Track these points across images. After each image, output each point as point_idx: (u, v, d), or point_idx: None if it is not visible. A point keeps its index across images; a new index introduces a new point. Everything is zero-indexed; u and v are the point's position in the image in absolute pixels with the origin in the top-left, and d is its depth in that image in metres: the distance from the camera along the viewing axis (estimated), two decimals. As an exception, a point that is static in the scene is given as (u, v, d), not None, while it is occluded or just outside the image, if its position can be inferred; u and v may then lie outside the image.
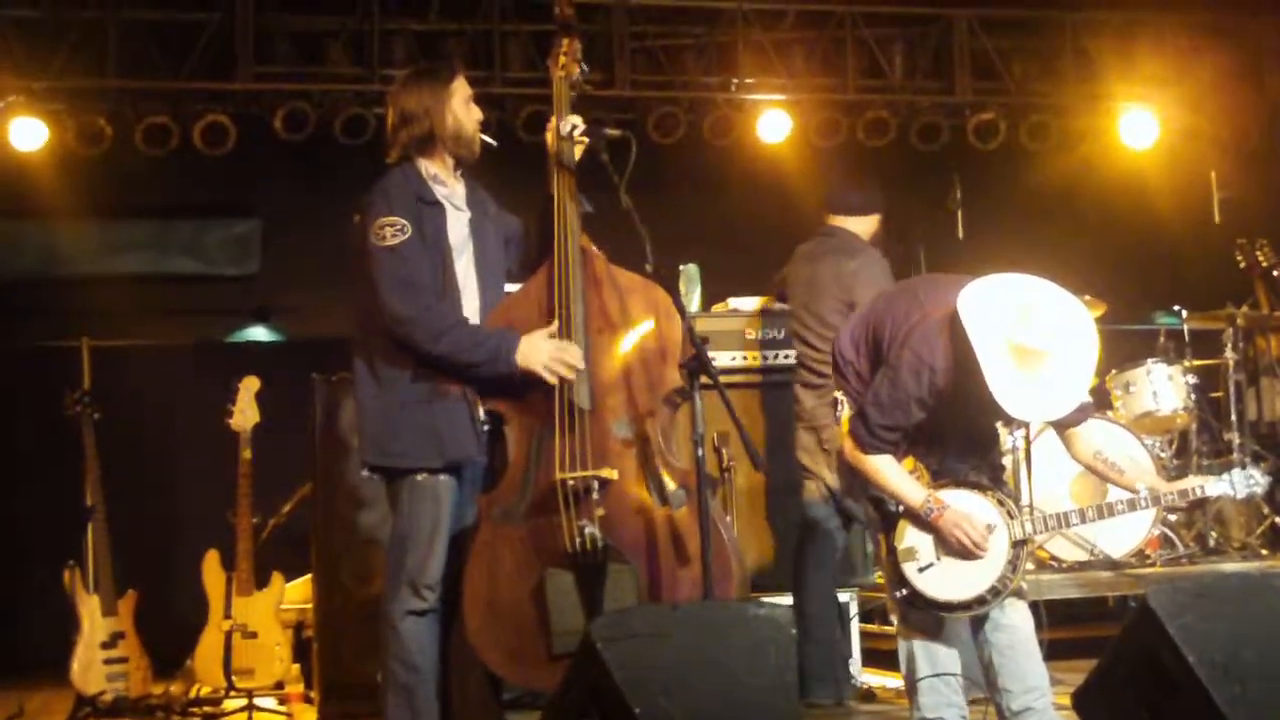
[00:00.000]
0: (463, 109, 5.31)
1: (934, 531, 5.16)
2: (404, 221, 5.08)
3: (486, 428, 5.18)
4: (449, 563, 5.13)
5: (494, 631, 5.03)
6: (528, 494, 5.06)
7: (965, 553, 5.12)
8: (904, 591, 5.21)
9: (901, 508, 5.20)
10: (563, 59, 5.46)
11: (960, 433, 5.32)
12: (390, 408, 5.11)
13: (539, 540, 5.04)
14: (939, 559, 5.17)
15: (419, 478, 5.10)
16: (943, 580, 5.17)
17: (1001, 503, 5.21)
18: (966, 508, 5.16)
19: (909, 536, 5.21)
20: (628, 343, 5.20)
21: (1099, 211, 10.13)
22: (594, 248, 5.27)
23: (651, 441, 5.10)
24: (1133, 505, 5.33)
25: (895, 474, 5.19)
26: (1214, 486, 5.27)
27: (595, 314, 5.20)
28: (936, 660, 5.31)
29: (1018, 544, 5.17)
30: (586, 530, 4.95)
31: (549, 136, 5.36)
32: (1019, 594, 5.28)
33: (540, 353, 5.05)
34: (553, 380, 5.04)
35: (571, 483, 5.00)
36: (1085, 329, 5.01)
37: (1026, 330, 4.90)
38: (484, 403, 5.12)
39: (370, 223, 5.11)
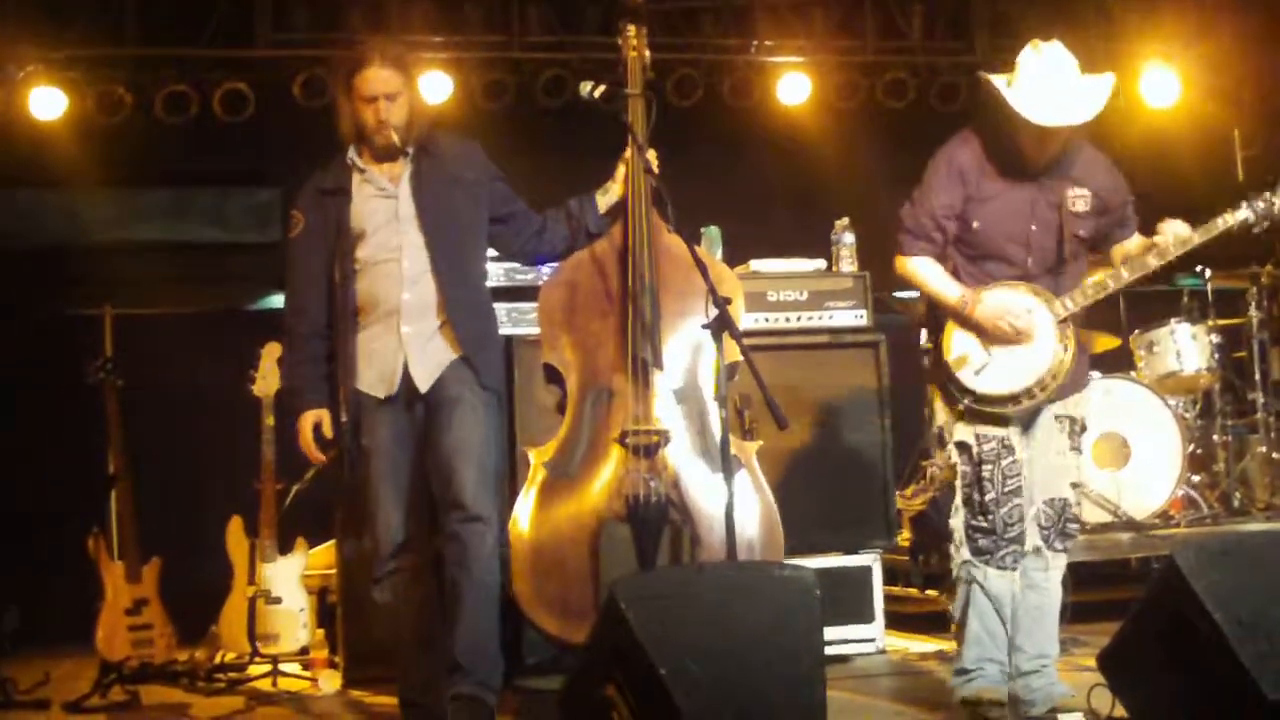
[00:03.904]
0: (363, 108, 5.27)
1: (977, 328, 5.29)
2: (299, 214, 5.36)
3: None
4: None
5: (540, 584, 5.10)
6: (583, 448, 5.14)
7: (1011, 339, 5.25)
8: (967, 400, 5.32)
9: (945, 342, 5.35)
10: (634, 41, 5.53)
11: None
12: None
13: (595, 494, 5.12)
14: (990, 356, 5.30)
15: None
16: (1000, 375, 5.31)
17: (1036, 292, 5.33)
18: (1001, 296, 5.31)
19: (956, 345, 5.35)
20: (690, 311, 5.33)
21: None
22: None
23: (698, 407, 5.30)
24: (1162, 254, 5.36)
25: (935, 275, 5.40)
26: (1236, 216, 5.38)
27: (664, 280, 5.38)
28: (987, 612, 5.33)
29: (1063, 322, 5.31)
30: (652, 484, 5.02)
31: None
32: (1069, 534, 5.41)
33: (306, 432, 5.32)
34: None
35: (640, 437, 5.11)
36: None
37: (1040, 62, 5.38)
38: (549, 354, 5.30)
39: None
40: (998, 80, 5.35)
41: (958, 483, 5.41)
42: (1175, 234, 5.33)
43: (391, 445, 5.27)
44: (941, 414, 5.47)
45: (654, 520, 5.06)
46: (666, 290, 5.34)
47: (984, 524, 5.30)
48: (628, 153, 5.51)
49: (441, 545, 5.21)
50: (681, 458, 5.22)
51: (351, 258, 5.27)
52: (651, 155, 5.43)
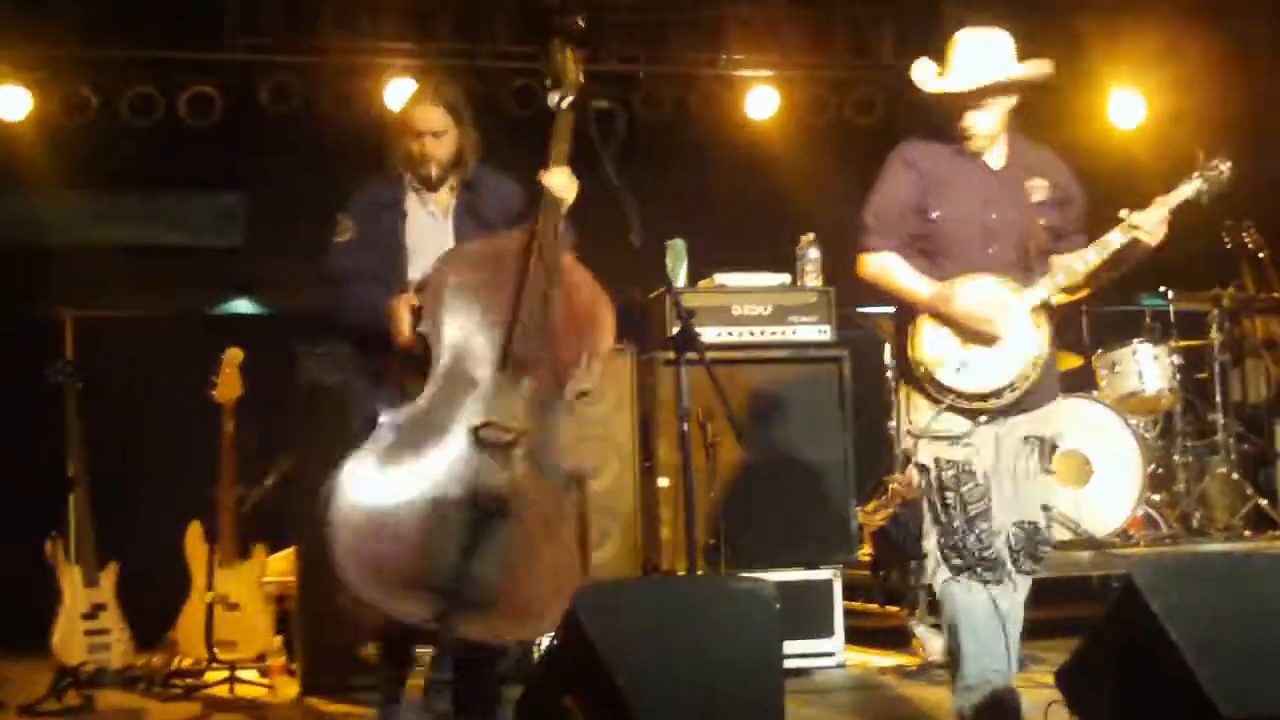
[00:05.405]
0: (412, 143, 5.49)
1: (953, 324, 5.19)
2: (351, 223, 5.48)
3: None
4: None
5: (359, 541, 5.00)
6: (434, 425, 5.11)
7: (987, 336, 5.16)
8: (949, 399, 5.18)
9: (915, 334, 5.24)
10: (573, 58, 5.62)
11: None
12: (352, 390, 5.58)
13: (436, 473, 5.08)
14: (969, 351, 5.19)
15: None
16: (981, 371, 5.19)
17: (1003, 282, 5.22)
18: (975, 287, 5.19)
19: (932, 343, 5.21)
20: (562, 327, 5.30)
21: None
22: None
23: (552, 420, 5.28)
24: (1125, 230, 5.32)
25: (903, 271, 5.27)
26: (1192, 184, 5.39)
27: (550, 289, 5.30)
28: (980, 624, 5.20)
29: (1037, 310, 5.21)
30: (500, 478, 5.02)
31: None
32: (1039, 556, 5.29)
33: (402, 314, 5.27)
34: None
35: (497, 432, 5.11)
36: None
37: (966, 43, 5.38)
38: (424, 325, 5.24)
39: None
40: (925, 74, 5.35)
41: (924, 504, 5.32)
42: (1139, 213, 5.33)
43: None
44: (906, 437, 5.36)
45: (488, 511, 5.04)
46: (548, 298, 5.29)
47: (956, 544, 5.17)
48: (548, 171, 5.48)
49: None
50: (527, 463, 5.16)
51: (403, 271, 5.43)
52: (565, 172, 5.39)
